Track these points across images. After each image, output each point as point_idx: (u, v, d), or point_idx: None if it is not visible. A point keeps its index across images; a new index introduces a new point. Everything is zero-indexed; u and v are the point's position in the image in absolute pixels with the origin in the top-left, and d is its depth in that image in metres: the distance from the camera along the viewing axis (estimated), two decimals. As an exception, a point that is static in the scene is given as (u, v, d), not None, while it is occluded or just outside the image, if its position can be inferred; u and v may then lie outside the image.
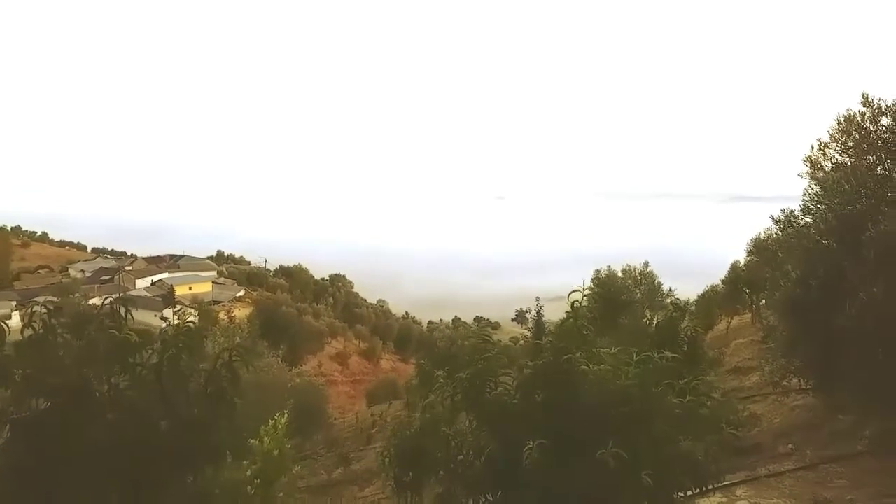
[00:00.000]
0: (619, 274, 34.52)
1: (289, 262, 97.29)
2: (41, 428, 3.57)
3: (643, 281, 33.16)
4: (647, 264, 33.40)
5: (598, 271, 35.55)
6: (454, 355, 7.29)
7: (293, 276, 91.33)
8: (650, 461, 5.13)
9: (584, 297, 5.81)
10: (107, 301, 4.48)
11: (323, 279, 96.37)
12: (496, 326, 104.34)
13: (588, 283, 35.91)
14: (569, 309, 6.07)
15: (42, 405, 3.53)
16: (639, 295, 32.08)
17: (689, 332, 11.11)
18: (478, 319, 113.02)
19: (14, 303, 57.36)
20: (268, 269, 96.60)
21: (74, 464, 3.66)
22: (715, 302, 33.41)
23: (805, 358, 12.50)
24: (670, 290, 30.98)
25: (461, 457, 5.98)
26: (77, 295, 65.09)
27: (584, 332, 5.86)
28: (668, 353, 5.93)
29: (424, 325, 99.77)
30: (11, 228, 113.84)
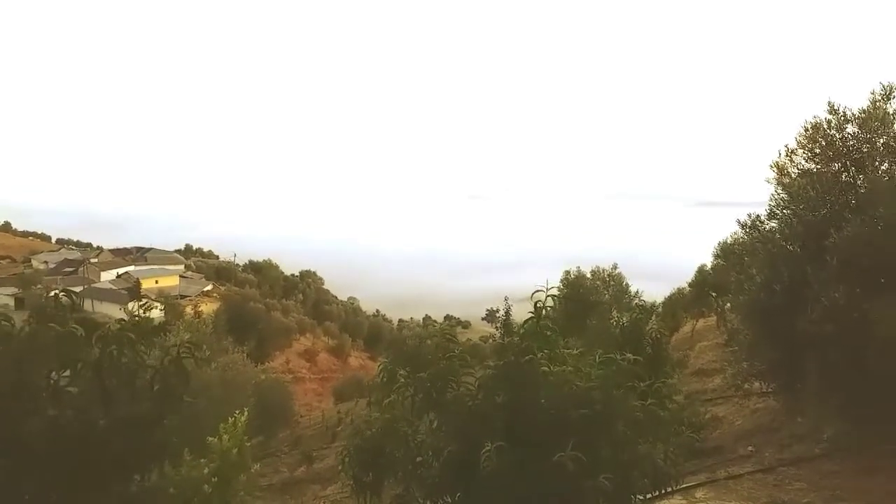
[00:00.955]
0: (588, 275, 34.81)
1: (258, 257, 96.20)
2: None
3: (611, 282, 33.47)
4: (615, 266, 33.68)
5: (567, 272, 35.81)
6: (417, 354, 7.17)
7: (262, 272, 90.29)
8: (610, 464, 5.08)
9: (549, 298, 5.73)
10: (53, 292, 4.27)
11: (293, 275, 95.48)
12: (466, 325, 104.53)
13: (557, 283, 36.19)
14: (549, 307, 6.02)
15: None
16: (607, 296, 32.40)
17: (653, 335, 11.23)
18: (448, 318, 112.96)
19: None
20: (237, 264, 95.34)
21: (9, 459, 3.47)
22: (681, 304, 33.85)
23: (767, 361, 12.66)
24: (638, 291, 31.31)
25: (420, 458, 5.88)
26: (39, 286, 63.46)
27: (547, 333, 5.79)
28: (630, 356, 5.90)
29: (395, 323, 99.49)
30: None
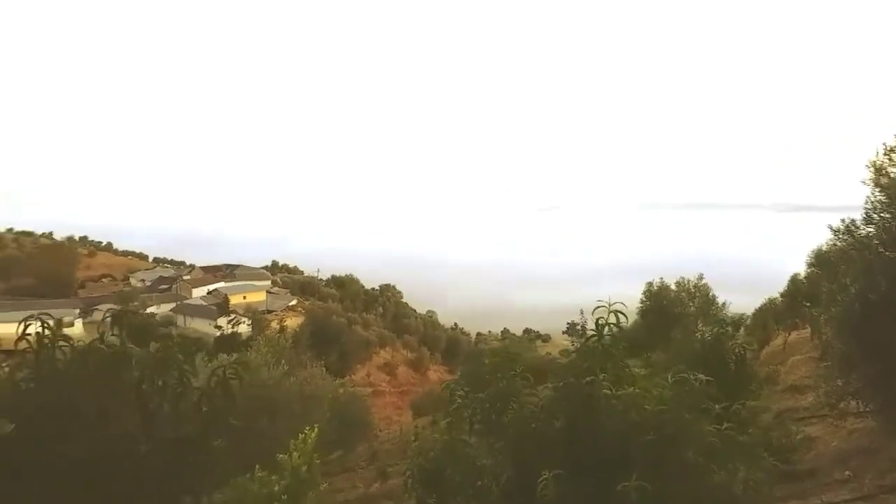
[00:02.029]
0: (672, 286, 33.66)
1: (340, 271, 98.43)
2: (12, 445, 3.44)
3: (697, 294, 32.22)
4: (701, 277, 32.39)
5: (649, 283, 34.74)
6: (478, 372, 6.97)
7: (344, 286, 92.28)
8: (679, 494, 4.70)
9: (613, 314, 5.39)
10: (107, 315, 4.36)
11: (373, 289, 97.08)
12: (546, 339, 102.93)
13: (639, 295, 35.10)
14: (613, 324, 5.69)
15: (6, 427, 3.40)
16: (692, 308, 31.22)
17: (737, 350, 10.55)
18: (527, 331, 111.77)
19: (78, 310, 59.50)
20: (320, 279, 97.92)
21: (55, 479, 3.52)
22: (772, 316, 32.01)
23: (864, 378, 11.63)
24: (725, 303, 29.89)
25: (480, 482, 5.66)
26: (136, 303, 67.33)
27: (612, 352, 5.45)
28: (702, 377, 5.45)
29: (473, 336, 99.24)
30: (79, 238, 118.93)
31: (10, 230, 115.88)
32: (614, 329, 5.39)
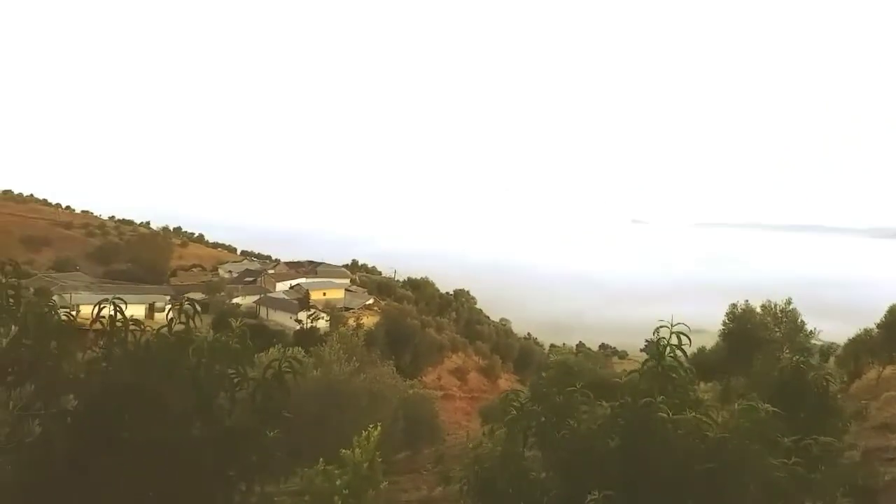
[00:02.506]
0: (758, 309, 32.27)
1: (417, 273, 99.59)
2: (76, 423, 3.70)
3: (784, 319, 30.71)
4: (789, 301, 30.83)
5: (733, 305, 33.45)
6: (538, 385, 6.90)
7: (419, 289, 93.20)
8: (736, 529, 4.50)
9: (674, 334, 5.22)
10: (176, 303, 4.60)
11: (447, 293, 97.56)
12: (623, 355, 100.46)
13: (722, 317, 33.73)
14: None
15: (70, 402, 3.65)
16: (778, 333, 29.78)
17: (820, 382, 9.94)
18: (603, 346, 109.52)
19: (168, 297, 62.80)
20: (397, 280, 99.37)
21: (112, 459, 3.75)
22: (866, 348, 29.95)
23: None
24: (814, 330, 28.28)
25: (531, 496, 5.60)
26: (222, 293, 70.44)
27: (671, 375, 5.27)
28: (768, 406, 5.18)
29: (547, 347, 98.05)
30: (174, 229, 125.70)
31: (112, 217, 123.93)
32: (677, 351, 5.21)
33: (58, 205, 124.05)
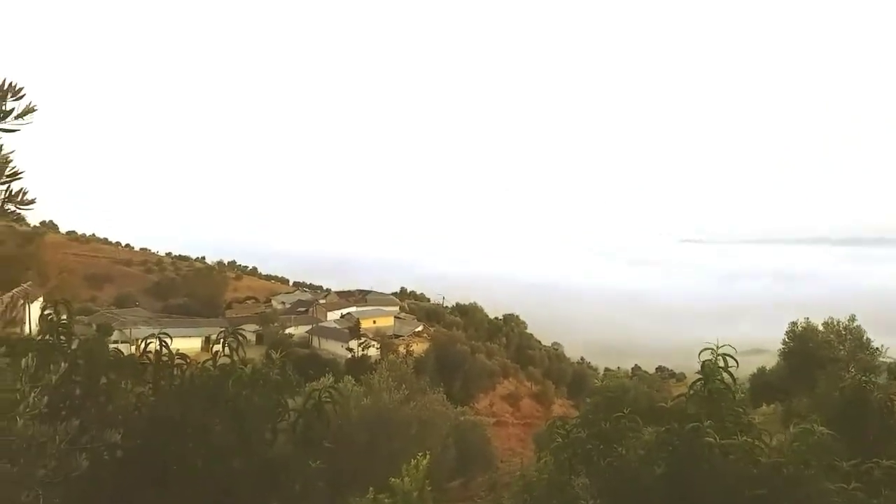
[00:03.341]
0: (820, 327, 31.16)
1: (465, 299, 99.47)
2: (123, 457, 3.81)
3: (848, 336, 29.53)
4: (853, 318, 29.66)
5: (793, 324, 32.40)
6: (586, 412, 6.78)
7: (468, 314, 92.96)
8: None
9: (721, 356, 5.07)
10: (219, 334, 4.72)
11: (497, 318, 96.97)
12: (680, 378, 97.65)
13: (782, 336, 32.59)
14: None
15: (115, 436, 3.76)
16: (842, 352, 28.66)
17: (884, 402, 9.47)
18: (660, 369, 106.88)
19: (223, 329, 64.09)
20: (445, 307, 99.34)
21: (154, 495, 3.83)
22: (943, 367, 28.43)
23: None
24: (882, 347, 27.04)
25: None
26: (275, 324, 71.70)
27: (719, 397, 5.10)
28: (823, 429, 4.95)
29: (601, 371, 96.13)
30: (228, 263, 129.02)
31: (168, 254, 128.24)
32: (724, 374, 5.05)
33: (117, 243, 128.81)
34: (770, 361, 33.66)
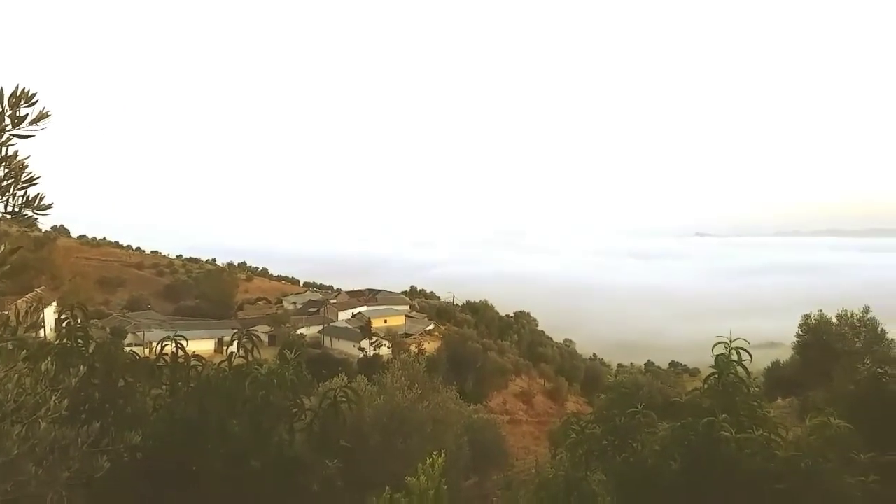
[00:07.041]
0: (834, 320, 30.96)
1: (475, 297, 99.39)
2: (144, 458, 3.85)
3: (863, 328, 29.31)
4: (867, 309, 29.43)
5: (806, 316, 32.22)
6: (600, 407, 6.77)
7: (479, 312, 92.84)
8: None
9: (734, 350, 5.06)
10: (233, 335, 4.76)
11: (508, 316, 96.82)
12: (693, 373, 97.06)
13: (796, 329, 32.40)
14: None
15: (134, 438, 3.81)
16: (858, 344, 28.50)
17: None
18: (674, 364, 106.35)
19: (234, 331, 64.57)
20: (455, 305, 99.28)
21: (175, 495, 3.87)
22: (962, 359, 28.14)
23: None
24: (896, 339, 26.85)
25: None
26: (287, 325, 71.98)
27: (732, 393, 5.08)
28: (841, 423, 4.93)
29: (614, 368, 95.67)
30: (238, 264, 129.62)
31: (179, 256, 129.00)
32: (738, 368, 5.03)
33: (129, 247, 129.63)
34: (784, 355, 33.46)
